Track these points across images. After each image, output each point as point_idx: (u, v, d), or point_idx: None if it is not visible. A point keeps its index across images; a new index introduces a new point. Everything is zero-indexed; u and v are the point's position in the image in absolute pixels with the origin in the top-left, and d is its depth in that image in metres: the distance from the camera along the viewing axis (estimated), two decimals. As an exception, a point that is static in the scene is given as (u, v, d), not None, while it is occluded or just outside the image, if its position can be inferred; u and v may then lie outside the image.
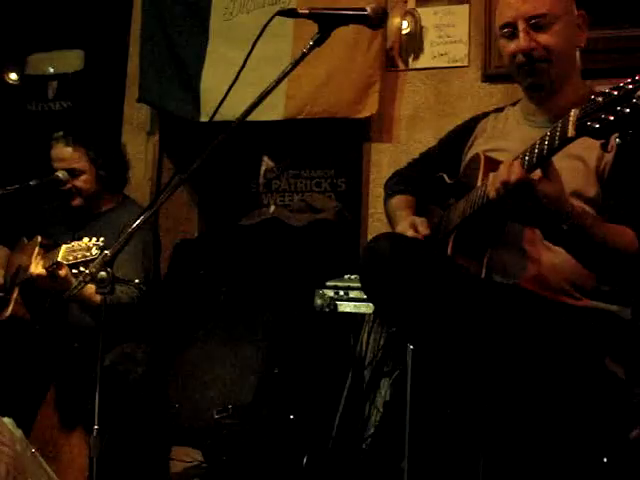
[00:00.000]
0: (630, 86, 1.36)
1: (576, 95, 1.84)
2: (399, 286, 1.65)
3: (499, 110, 2.13)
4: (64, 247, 2.26)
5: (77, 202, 2.84)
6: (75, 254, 2.21)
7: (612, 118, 1.36)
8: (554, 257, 1.77)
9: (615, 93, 1.37)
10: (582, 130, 1.42)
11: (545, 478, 1.66)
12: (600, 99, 1.39)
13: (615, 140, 1.39)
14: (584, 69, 2.00)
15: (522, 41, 1.83)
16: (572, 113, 1.45)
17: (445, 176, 2.09)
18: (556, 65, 1.84)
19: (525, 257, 1.80)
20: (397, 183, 2.30)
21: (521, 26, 1.83)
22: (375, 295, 1.78)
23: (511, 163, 1.56)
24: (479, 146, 2.05)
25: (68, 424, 2.63)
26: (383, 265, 1.67)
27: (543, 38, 1.83)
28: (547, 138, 1.52)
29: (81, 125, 2.98)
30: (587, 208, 1.72)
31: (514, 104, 2.08)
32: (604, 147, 1.42)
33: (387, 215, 2.26)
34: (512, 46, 1.86)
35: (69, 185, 2.80)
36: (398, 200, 2.21)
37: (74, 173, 2.80)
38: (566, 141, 1.48)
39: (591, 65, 2.40)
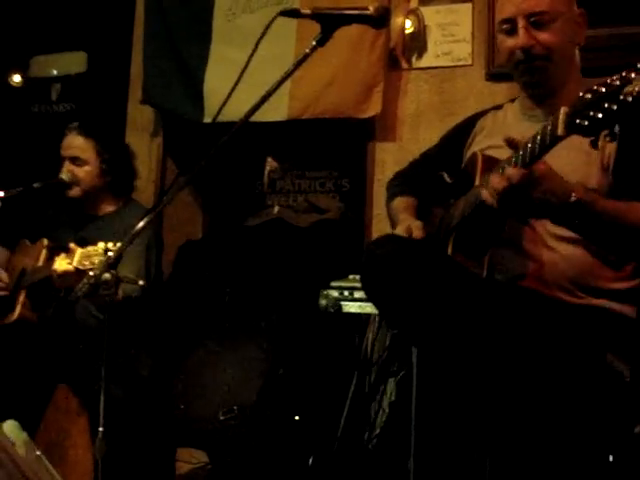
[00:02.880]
0: (617, 82, 1.34)
1: (576, 93, 1.82)
2: (400, 289, 1.65)
3: (498, 108, 2.12)
4: (80, 251, 2.23)
5: (74, 192, 2.82)
6: (91, 259, 2.17)
7: (600, 115, 1.34)
8: (555, 256, 1.76)
9: (603, 90, 1.35)
10: (571, 128, 1.41)
11: (552, 476, 1.66)
12: (588, 96, 1.37)
13: (605, 138, 1.38)
14: (588, 67, 1.98)
15: (521, 38, 1.82)
16: (562, 111, 1.43)
17: (445, 175, 2.08)
18: (555, 63, 1.83)
19: (526, 256, 1.79)
20: (398, 184, 2.30)
21: (521, 23, 1.82)
22: (377, 299, 1.78)
23: (505, 173, 1.54)
24: (479, 144, 2.04)
25: (73, 426, 2.63)
26: (384, 268, 1.67)
27: (543, 36, 1.81)
28: (539, 137, 1.51)
29: (92, 125, 2.98)
30: None
31: (512, 101, 2.08)
32: (594, 144, 1.41)
33: (389, 217, 2.26)
34: (511, 42, 1.85)
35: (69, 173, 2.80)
36: (399, 202, 2.21)
37: (78, 161, 2.80)
38: (556, 139, 1.46)
39: (592, 63, 2.39)
